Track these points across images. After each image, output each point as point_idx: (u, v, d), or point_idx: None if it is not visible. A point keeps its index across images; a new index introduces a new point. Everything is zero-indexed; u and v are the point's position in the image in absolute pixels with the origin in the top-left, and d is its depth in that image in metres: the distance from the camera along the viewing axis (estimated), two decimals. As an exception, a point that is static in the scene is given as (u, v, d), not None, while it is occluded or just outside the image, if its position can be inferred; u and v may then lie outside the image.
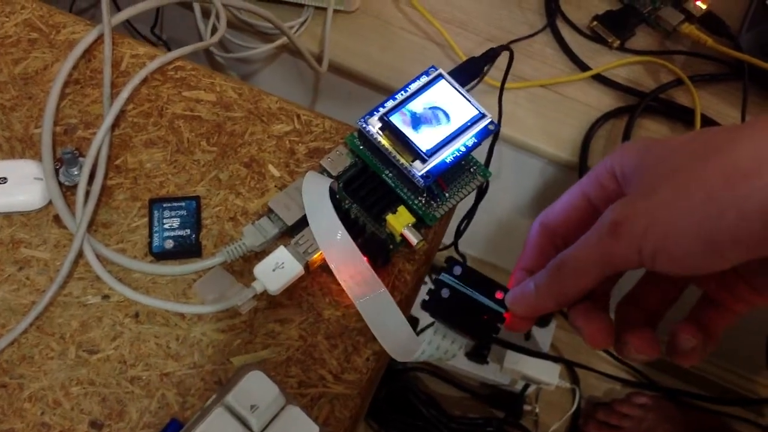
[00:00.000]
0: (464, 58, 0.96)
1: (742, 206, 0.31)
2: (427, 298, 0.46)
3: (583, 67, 0.99)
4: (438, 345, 0.47)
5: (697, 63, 1.00)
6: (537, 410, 1.22)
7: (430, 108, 0.54)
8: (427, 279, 1.14)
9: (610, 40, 1.01)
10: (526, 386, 1.19)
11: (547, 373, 1.11)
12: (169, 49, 1.11)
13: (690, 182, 0.33)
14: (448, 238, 0.83)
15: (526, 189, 1.06)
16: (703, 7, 1.00)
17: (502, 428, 1.19)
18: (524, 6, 1.05)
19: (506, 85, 0.95)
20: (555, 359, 1.19)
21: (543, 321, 1.20)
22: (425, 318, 0.47)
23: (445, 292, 0.46)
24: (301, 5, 0.99)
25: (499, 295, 0.46)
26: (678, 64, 1.00)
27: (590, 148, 0.94)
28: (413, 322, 0.50)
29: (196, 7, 0.98)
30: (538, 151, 0.96)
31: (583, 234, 0.39)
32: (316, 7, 0.99)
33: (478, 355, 1.18)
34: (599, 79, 0.99)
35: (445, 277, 0.46)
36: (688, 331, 0.40)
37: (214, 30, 1.01)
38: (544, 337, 1.20)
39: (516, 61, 0.99)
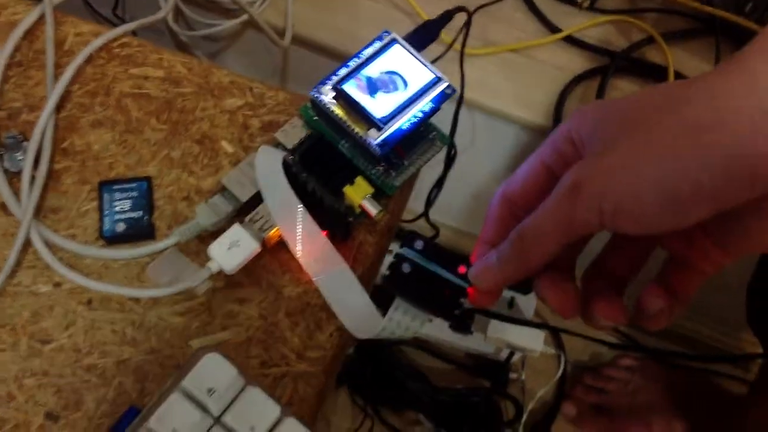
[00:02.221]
0: (432, 26, 0.94)
1: (704, 159, 0.30)
2: (387, 273, 0.44)
3: (554, 29, 0.98)
4: (399, 321, 0.45)
5: (668, 20, 0.99)
6: (523, 377, 1.21)
7: (387, 72, 0.52)
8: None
9: (579, 1, 0.99)
10: (510, 354, 1.18)
11: (532, 340, 1.10)
12: (135, 35, 1.09)
13: (648, 137, 0.32)
14: (420, 208, 0.82)
15: (501, 156, 1.05)
16: (673, -39, 0.98)
17: (489, 397, 1.18)
18: (491, -31, 1.02)
19: (476, 51, 0.94)
20: (539, 326, 1.17)
21: (525, 288, 1.19)
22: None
23: (406, 267, 0.45)
24: (264, -22, 0.97)
25: (462, 269, 0.44)
26: (649, 22, 0.98)
27: (564, 111, 0.92)
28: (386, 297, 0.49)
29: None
30: (511, 117, 0.95)
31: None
32: (279, -21, 0.97)
33: (461, 325, 1.17)
34: (570, 40, 0.97)
35: (406, 251, 0.45)
36: (655, 293, 0.39)
37: (176, 8, 0.99)
38: (527, 304, 1.19)
39: (485, 26, 0.97)
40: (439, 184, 0.72)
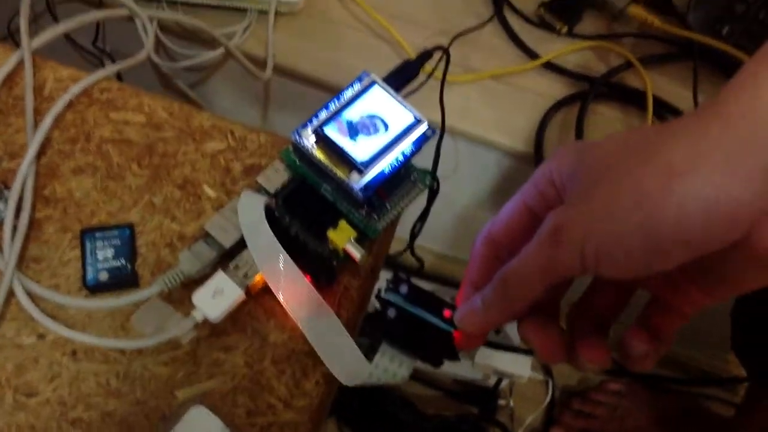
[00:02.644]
0: (412, 54, 0.95)
1: (681, 204, 0.30)
2: (372, 318, 0.44)
3: (533, 55, 0.98)
4: (386, 368, 0.45)
5: (646, 44, 0.99)
6: (511, 404, 1.21)
7: (368, 116, 0.52)
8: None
9: (557, 27, 0.99)
10: (499, 381, 1.18)
11: (520, 366, 1.10)
12: (113, 62, 1.08)
13: (627, 183, 0.33)
14: (404, 235, 0.82)
15: (485, 182, 1.05)
16: (649, -13, 0.99)
17: (478, 425, 1.17)
18: (469, -4, 1.03)
19: (457, 79, 0.95)
20: (526, 352, 1.18)
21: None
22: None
23: (391, 312, 0.44)
24: (244, 9, 0.97)
25: (447, 313, 0.44)
26: (627, 47, 0.98)
27: (545, 137, 0.92)
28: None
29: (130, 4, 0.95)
30: (493, 144, 0.95)
31: (526, 244, 0.38)
32: (260, 11, 0.97)
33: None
34: (549, 66, 0.98)
35: (390, 296, 0.45)
36: (638, 337, 0.39)
37: (157, 40, 0.98)
38: (514, 330, 1.19)
39: (465, 53, 0.98)
40: (423, 217, 0.72)
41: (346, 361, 0.48)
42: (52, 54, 0.60)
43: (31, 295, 0.51)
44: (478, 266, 0.44)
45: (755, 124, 0.31)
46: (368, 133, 0.51)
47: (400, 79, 0.56)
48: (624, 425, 1.13)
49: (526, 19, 1.01)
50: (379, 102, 0.52)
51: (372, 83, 0.53)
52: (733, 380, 1.18)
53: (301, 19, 0.99)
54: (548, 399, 1.20)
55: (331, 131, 0.51)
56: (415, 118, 0.52)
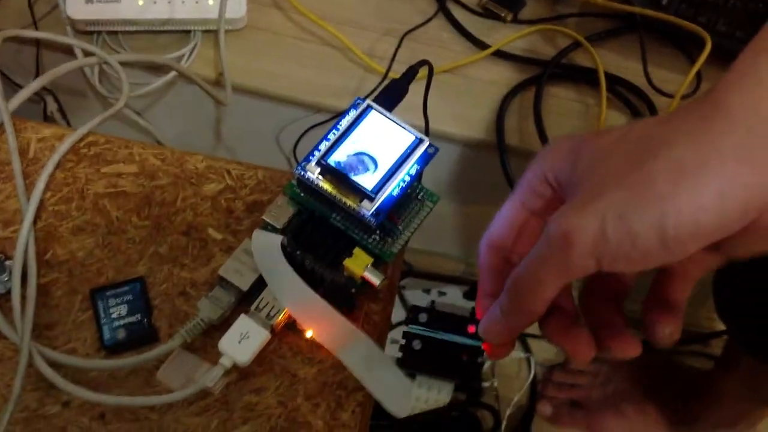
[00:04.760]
0: (364, 57, 0.95)
1: (695, 200, 0.32)
2: (400, 355, 0.45)
3: (482, 45, 0.99)
4: (426, 399, 0.46)
5: (590, 23, 1.01)
6: (496, 384, 1.22)
7: (354, 154, 0.52)
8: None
9: (502, 15, 1.00)
10: (481, 363, 1.19)
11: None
12: (55, 97, 1.06)
13: (636, 182, 0.34)
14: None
15: (449, 174, 1.06)
16: (586, -35, 1.01)
17: (466, 410, 1.19)
18: (411, -7, 1.03)
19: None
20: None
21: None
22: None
23: (416, 344, 0.45)
24: (187, 31, 0.95)
25: (471, 329, 0.45)
26: (572, 27, 1.00)
27: (505, 125, 0.93)
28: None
29: (78, 51, 0.93)
30: (454, 137, 0.95)
31: (532, 246, 0.39)
32: (204, 31, 0.96)
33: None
34: (500, 55, 0.98)
35: (412, 327, 0.45)
36: (663, 320, 0.40)
37: (101, 71, 0.96)
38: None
39: (414, 50, 0.98)
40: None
41: (393, 391, 0.48)
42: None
43: (49, 363, 0.50)
44: (489, 276, 0.44)
45: (758, 116, 0.32)
46: (357, 173, 0.51)
47: (391, 99, 0.56)
48: (606, 390, 1.15)
49: (471, 11, 1.01)
50: (378, 126, 0.52)
51: (368, 108, 0.53)
52: (710, 335, 1.21)
53: (246, 36, 0.97)
54: (531, 376, 1.21)
55: (336, 161, 0.51)
56: (416, 137, 0.52)
